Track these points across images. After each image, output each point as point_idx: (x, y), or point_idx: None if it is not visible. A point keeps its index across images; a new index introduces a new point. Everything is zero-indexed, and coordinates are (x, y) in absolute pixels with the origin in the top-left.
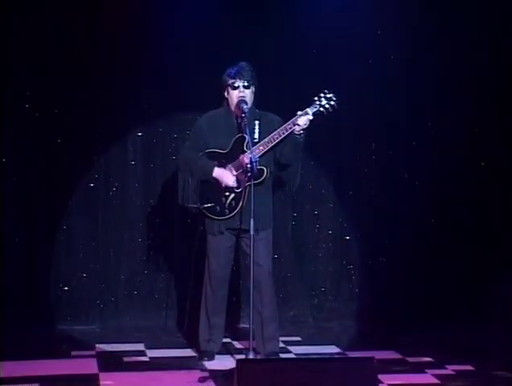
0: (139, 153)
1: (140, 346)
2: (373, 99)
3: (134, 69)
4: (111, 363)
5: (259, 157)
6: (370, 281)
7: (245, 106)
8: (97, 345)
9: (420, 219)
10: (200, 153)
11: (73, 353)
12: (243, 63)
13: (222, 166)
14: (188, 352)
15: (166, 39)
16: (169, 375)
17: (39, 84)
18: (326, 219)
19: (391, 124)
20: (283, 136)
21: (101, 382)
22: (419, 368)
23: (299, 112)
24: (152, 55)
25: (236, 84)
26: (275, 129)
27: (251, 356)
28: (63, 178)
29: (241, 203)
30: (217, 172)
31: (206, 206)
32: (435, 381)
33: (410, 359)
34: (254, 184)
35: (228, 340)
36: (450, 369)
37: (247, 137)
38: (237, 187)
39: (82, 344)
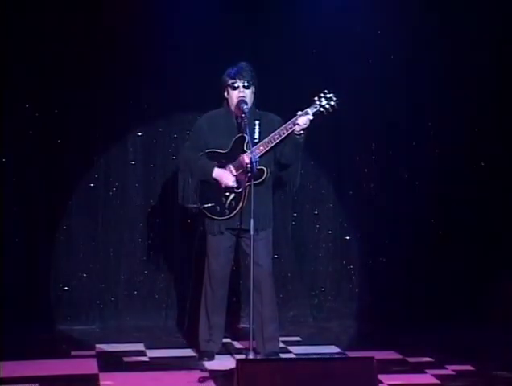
0: (139, 153)
1: (140, 346)
2: (373, 99)
3: (134, 69)
4: (111, 363)
5: (259, 157)
6: (370, 281)
7: (245, 106)
8: (97, 345)
9: (420, 219)
10: (200, 154)
11: (73, 353)
12: (243, 63)
13: (222, 166)
14: (188, 352)
15: (166, 39)
16: (169, 375)
17: (39, 84)
18: (326, 219)
19: (391, 124)
20: (283, 136)
21: (101, 382)
22: (419, 368)
23: (299, 112)
24: (152, 55)
25: (236, 84)
26: (275, 129)
27: (251, 356)
28: (63, 178)
29: (241, 203)
30: (217, 172)
31: (206, 206)
32: (435, 381)
33: (410, 359)
34: (254, 184)
35: (228, 340)
36: (450, 369)
37: (247, 137)
38: (237, 187)
39: (82, 344)
